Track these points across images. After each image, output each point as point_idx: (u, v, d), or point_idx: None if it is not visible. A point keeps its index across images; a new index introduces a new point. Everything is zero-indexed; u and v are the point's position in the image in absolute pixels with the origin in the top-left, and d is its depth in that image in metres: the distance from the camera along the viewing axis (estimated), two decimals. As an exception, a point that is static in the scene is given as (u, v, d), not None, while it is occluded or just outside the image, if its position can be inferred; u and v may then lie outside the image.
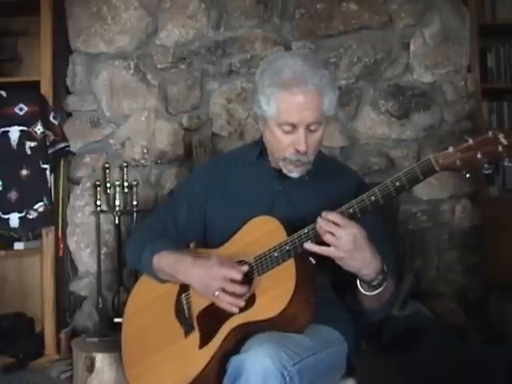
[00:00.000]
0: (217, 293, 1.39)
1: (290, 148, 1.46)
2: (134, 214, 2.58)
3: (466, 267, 2.68)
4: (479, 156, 1.21)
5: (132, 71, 2.70)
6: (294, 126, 1.44)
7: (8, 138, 2.51)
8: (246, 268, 1.41)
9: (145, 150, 2.68)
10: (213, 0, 2.69)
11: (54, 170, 2.59)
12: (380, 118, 2.70)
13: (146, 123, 2.69)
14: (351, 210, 1.33)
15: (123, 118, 2.71)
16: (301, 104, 1.41)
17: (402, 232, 2.63)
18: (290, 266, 1.37)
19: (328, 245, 1.31)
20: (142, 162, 2.68)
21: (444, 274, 2.68)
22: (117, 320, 2.38)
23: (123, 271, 2.60)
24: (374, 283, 1.34)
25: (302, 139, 1.44)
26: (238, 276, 1.38)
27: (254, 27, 2.69)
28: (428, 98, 2.70)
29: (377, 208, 1.33)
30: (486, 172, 1.24)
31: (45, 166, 2.51)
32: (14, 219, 2.49)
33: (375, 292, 1.35)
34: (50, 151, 2.54)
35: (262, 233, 1.45)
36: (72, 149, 2.67)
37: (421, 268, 2.66)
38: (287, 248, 1.38)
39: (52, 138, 2.54)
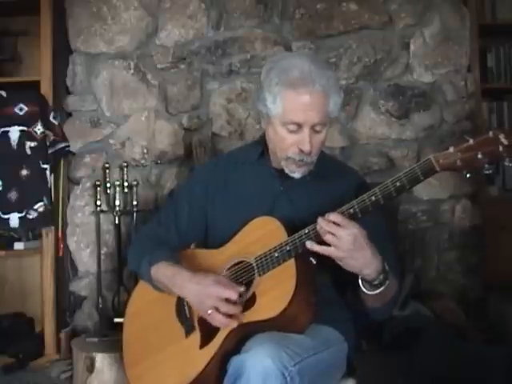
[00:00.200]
0: (210, 311, 1.38)
1: (293, 147, 1.46)
2: (134, 214, 2.58)
3: (466, 267, 2.68)
4: (480, 156, 1.21)
5: (132, 71, 2.69)
6: (299, 126, 1.44)
7: (8, 138, 2.51)
8: (242, 289, 1.39)
9: (145, 150, 2.67)
10: (213, 0, 2.69)
11: (54, 170, 2.59)
12: (380, 117, 2.70)
13: (146, 123, 2.68)
14: (352, 210, 1.33)
15: (123, 118, 2.70)
16: (307, 104, 1.41)
17: (401, 232, 2.63)
18: (290, 266, 1.37)
19: (329, 245, 1.31)
20: (142, 162, 2.68)
21: (444, 274, 2.68)
22: (117, 320, 2.39)
23: (123, 271, 2.59)
24: (376, 282, 1.34)
25: (306, 139, 1.44)
26: (234, 296, 1.36)
27: (254, 27, 2.69)
28: (428, 97, 2.69)
29: (378, 208, 1.33)
30: (487, 172, 1.24)
31: (45, 166, 2.51)
32: (14, 219, 2.49)
33: (377, 291, 1.35)
34: (50, 151, 2.54)
35: (263, 233, 1.45)
36: (72, 149, 2.67)
37: (421, 268, 2.66)
38: (288, 248, 1.38)
39: (52, 137, 2.54)
